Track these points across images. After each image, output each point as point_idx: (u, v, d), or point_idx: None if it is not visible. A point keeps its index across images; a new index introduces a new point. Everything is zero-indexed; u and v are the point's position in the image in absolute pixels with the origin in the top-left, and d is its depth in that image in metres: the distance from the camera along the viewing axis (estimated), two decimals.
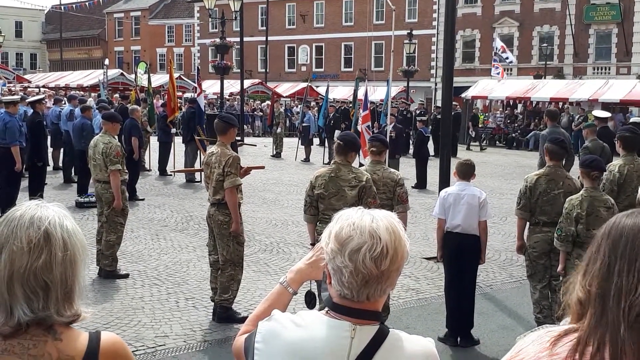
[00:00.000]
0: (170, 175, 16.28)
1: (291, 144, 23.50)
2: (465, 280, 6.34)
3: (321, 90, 36.91)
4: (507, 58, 32.67)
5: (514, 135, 29.93)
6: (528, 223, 6.34)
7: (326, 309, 1.79)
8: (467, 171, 6.27)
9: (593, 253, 1.48)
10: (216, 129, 6.68)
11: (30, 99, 14.15)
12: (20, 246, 1.64)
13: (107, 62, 32.75)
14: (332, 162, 6.10)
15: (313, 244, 6.12)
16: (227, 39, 25.59)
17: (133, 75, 33.71)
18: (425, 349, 1.76)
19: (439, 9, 45.35)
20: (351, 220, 1.72)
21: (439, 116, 23.42)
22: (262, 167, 9.83)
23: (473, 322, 6.38)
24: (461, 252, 6.25)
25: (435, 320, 6.87)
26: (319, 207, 5.98)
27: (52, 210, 1.73)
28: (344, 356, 1.69)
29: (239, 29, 28.49)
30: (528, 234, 6.30)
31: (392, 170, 6.52)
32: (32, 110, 12.82)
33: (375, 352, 1.70)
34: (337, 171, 5.91)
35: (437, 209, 6.35)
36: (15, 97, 13.61)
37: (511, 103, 32.95)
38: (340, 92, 38.82)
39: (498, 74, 31.78)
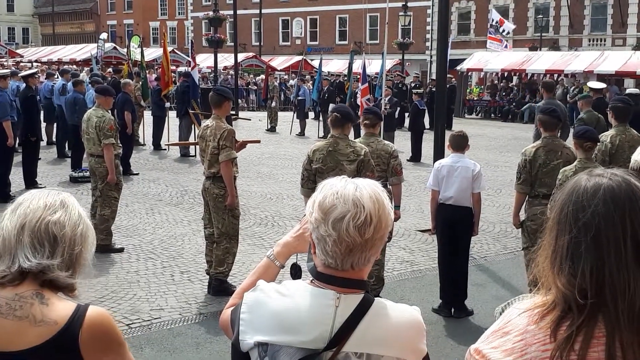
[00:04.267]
0: (165, 149, 16.24)
1: (286, 117, 23.43)
2: (458, 251, 6.36)
3: (315, 63, 36.69)
4: (503, 31, 32.35)
5: (509, 107, 29.89)
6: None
7: (311, 278, 1.78)
8: (460, 143, 6.25)
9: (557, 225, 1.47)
10: (211, 101, 6.64)
11: (23, 73, 14.02)
12: (37, 206, 1.73)
13: (104, 35, 32.44)
14: (329, 135, 6.06)
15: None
16: (221, 11, 25.40)
17: (126, 49, 33.45)
18: (411, 317, 1.76)
19: None
20: (335, 189, 1.71)
21: (434, 89, 23.40)
22: (258, 141, 9.81)
23: (467, 293, 6.42)
24: (454, 224, 6.26)
25: (429, 292, 6.91)
26: (316, 181, 5.96)
27: (64, 196, 1.82)
28: (328, 324, 1.68)
29: (232, 1, 28.22)
30: (527, 207, 6.19)
31: (386, 142, 6.51)
32: (24, 85, 12.72)
33: (360, 320, 1.69)
34: (334, 145, 5.88)
35: (431, 180, 6.35)
36: (5, 71, 13.46)
37: (506, 75, 32.85)
38: (335, 65, 38.61)
39: (498, 47, 31.48)
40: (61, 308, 1.69)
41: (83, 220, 1.77)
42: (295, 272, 2.10)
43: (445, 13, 10.25)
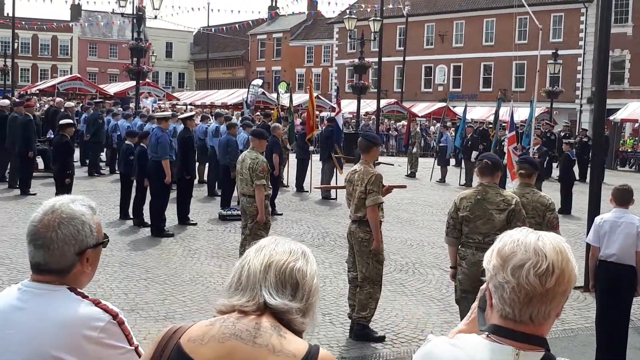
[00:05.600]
0: (307, 191, 16.59)
1: (426, 163, 23.26)
2: (618, 312, 5.93)
3: (458, 110, 36.34)
4: None
5: None
6: None
7: (486, 333, 1.70)
8: (625, 197, 5.88)
9: None
10: (359, 147, 6.71)
11: (182, 115, 14.93)
12: (282, 250, 1.84)
13: (259, 82, 33.99)
14: (477, 183, 5.91)
15: (454, 267, 5.97)
16: (365, 59, 25.86)
17: (274, 94, 34.82)
18: None
19: (586, 28, 43.47)
20: (515, 237, 1.66)
21: (584, 139, 22.35)
22: (404, 187, 9.76)
23: (625, 357, 5.96)
24: (615, 283, 5.86)
25: (583, 353, 6.47)
26: (462, 230, 5.81)
27: (304, 247, 1.93)
28: None
29: (377, 49, 28.69)
30: None
31: (543, 194, 6.24)
32: (181, 126, 13.53)
33: None
34: (483, 193, 5.73)
35: (591, 236, 6.00)
36: (166, 113, 14.42)
37: None
38: (478, 112, 38.04)
39: None
40: (297, 344, 1.75)
41: (317, 275, 1.86)
42: None
43: (604, 62, 9.80)
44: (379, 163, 20.73)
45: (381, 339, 6.64)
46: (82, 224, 2.05)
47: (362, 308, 6.60)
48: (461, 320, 6.10)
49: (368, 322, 6.67)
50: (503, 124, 20.40)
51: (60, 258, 2.02)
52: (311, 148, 17.60)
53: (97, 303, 2.03)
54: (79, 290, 2.06)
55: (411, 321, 7.31)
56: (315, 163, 17.35)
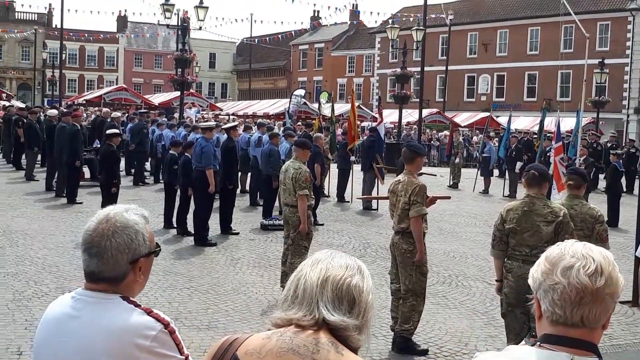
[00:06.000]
0: (348, 202, 16.56)
1: (469, 174, 23.02)
2: None
3: (501, 120, 35.92)
4: None
5: None
6: None
7: (538, 343, 1.68)
8: None
9: None
10: (404, 157, 6.67)
11: (225, 125, 15.07)
12: (338, 264, 1.81)
13: (301, 92, 34.19)
14: (524, 195, 5.81)
15: (499, 280, 5.87)
16: (407, 68, 25.78)
17: (315, 105, 34.92)
18: None
19: (633, 36, 42.63)
20: (561, 246, 1.71)
21: (632, 150, 21.87)
22: (448, 197, 9.67)
23: None
24: None
25: None
26: (509, 243, 5.71)
27: (360, 262, 1.90)
28: None
29: (419, 58, 28.59)
30: None
31: (592, 205, 6.10)
32: (224, 136, 13.65)
33: None
34: (530, 205, 5.63)
35: None
36: (211, 123, 14.58)
37: None
38: (522, 122, 37.54)
39: None
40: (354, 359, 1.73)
41: (373, 291, 1.84)
42: None
43: None
44: (422, 173, 20.54)
45: (424, 353, 6.56)
46: (136, 232, 2.07)
47: (405, 321, 6.53)
48: (506, 334, 6.00)
49: (411, 335, 6.60)
50: (548, 135, 20.07)
51: (114, 266, 2.04)
52: (352, 158, 17.58)
53: (149, 312, 2.05)
54: (131, 299, 2.08)
55: (454, 335, 7.21)
56: (357, 173, 17.32)
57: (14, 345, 6.07)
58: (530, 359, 1.66)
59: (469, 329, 7.45)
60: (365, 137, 19.38)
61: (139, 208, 2.16)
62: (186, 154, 11.90)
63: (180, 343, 2.05)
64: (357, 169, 17.77)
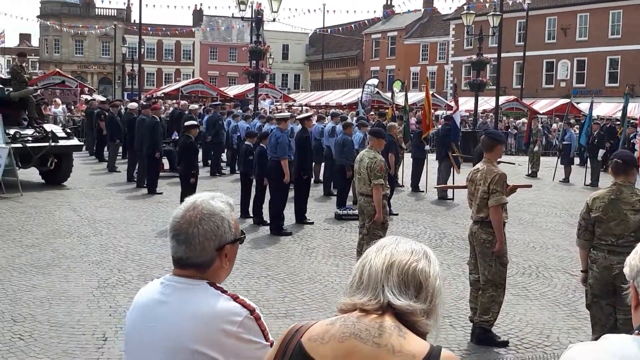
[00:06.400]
0: (422, 191, 16.37)
1: (548, 163, 22.38)
2: None
3: (581, 106, 34.72)
4: None
5: None
6: None
7: (636, 332, 1.64)
8: None
9: None
10: (482, 145, 6.52)
11: (300, 116, 15.14)
12: (404, 249, 1.81)
13: (375, 81, 33.99)
14: (611, 183, 5.58)
15: (584, 271, 5.67)
16: (483, 55, 25.24)
17: (388, 94, 34.70)
18: None
19: None
20: None
21: None
22: (529, 186, 9.39)
23: None
24: None
25: None
26: (594, 232, 5.50)
27: (425, 247, 1.87)
28: None
29: (495, 44, 27.93)
30: None
31: None
32: (299, 127, 13.72)
33: None
34: (618, 193, 5.40)
35: None
36: (285, 114, 14.68)
37: None
38: (604, 108, 36.19)
39: None
40: (418, 344, 1.71)
41: (440, 276, 1.82)
42: None
43: None
44: (500, 162, 20.12)
45: (504, 344, 6.41)
46: (222, 220, 2.09)
47: (485, 312, 6.40)
48: (592, 326, 5.80)
49: (490, 326, 6.46)
50: (632, 121, 19.28)
51: (201, 253, 2.07)
52: (427, 147, 17.36)
53: (235, 298, 2.07)
54: (217, 285, 2.11)
55: (536, 326, 7.02)
56: (431, 162, 17.10)
57: (99, 331, 6.28)
58: (629, 348, 1.61)
59: (550, 320, 7.23)
60: (440, 126, 19.10)
61: (224, 196, 2.19)
62: (261, 144, 12.03)
63: (265, 329, 2.07)
64: (431, 158, 17.54)
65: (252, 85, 27.02)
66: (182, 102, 25.06)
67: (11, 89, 15.52)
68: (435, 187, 15.34)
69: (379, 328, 1.70)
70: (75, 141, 16.20)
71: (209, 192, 2.21)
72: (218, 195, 2.16)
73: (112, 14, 72.12)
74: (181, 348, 2.01)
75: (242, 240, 2.20)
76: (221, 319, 2.00)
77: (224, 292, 2.08)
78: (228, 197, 2.19)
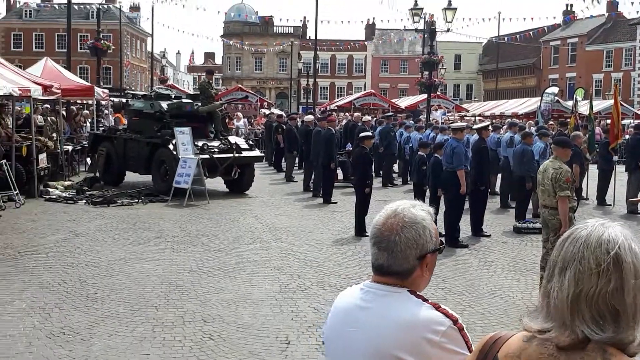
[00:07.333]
0: (610, 205, 15.31)
1: None
2: None
3: None
4: None
5: None
6: None
7: None
8: None
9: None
10: None
11: (477, 126, 14.81)
12: (588, 267, 1.55)
13: (555, 89, 32.56)
14: None
15: None
16: None
17: (568, 102, 32.96)
18: None
19: None
20: None
21: None
22: None
23: None
24: None
25: None
26: None
27: (619, 231, 1.59)
28: None
29: None
30: None
31: None
32: (473, 137, 13.40)
33: None
34: None
35: None
36: (462, 124, 14.42)
37: None
38: None
39: None
40: None
41: (639, 272, 1.55)
42: None
43: None
44: None
45: None
46: (423, 228, 2.06)
47: None
48: None
49: None
50: None
51: (403, 261, 2.04)
52: (615, 158, 16.22)
53: (437, 307, 2.02)
54: (418, 293, 2.06)
55: None
56: (620, 174, 15.95)
57: (282, 334, 6.47)
58: None
59: None
60: (629, 135, 17.77)
61: (424, 204, 2.15)
62: (436, 154, 11.88)
63: (469, 341, 1.99)
64: (620, 169, 16.36)
65: (424, 96, 26.89)
66: (356, 114, 25.50)
67: (199, 104, 16.69)
68: (631, 201, 14.24)
69: (582, 356, 1.54)
70: (257, 152, 17.06)
71: (408, 200, 2.18)
72: (418, 204, 2.13)
73: (289, 32, 75.30)
74: (382, 354, 1.99)
75: (442, 250, 2.16)
76: (424, 327, 1.96)
77: (425, 300, 2.04)
78: (428, 206, 2.16)
